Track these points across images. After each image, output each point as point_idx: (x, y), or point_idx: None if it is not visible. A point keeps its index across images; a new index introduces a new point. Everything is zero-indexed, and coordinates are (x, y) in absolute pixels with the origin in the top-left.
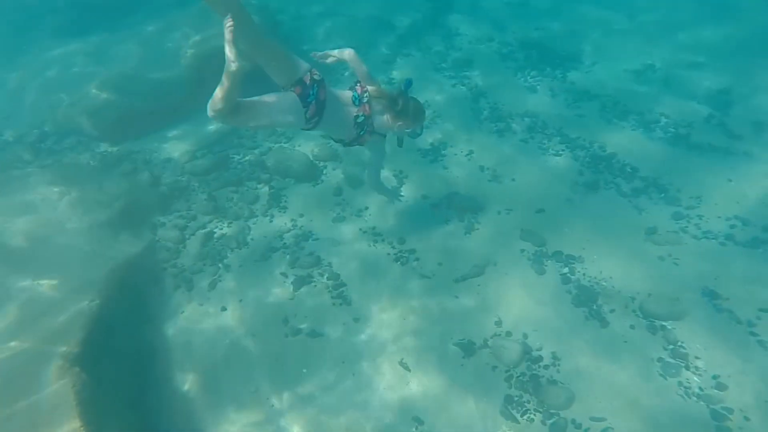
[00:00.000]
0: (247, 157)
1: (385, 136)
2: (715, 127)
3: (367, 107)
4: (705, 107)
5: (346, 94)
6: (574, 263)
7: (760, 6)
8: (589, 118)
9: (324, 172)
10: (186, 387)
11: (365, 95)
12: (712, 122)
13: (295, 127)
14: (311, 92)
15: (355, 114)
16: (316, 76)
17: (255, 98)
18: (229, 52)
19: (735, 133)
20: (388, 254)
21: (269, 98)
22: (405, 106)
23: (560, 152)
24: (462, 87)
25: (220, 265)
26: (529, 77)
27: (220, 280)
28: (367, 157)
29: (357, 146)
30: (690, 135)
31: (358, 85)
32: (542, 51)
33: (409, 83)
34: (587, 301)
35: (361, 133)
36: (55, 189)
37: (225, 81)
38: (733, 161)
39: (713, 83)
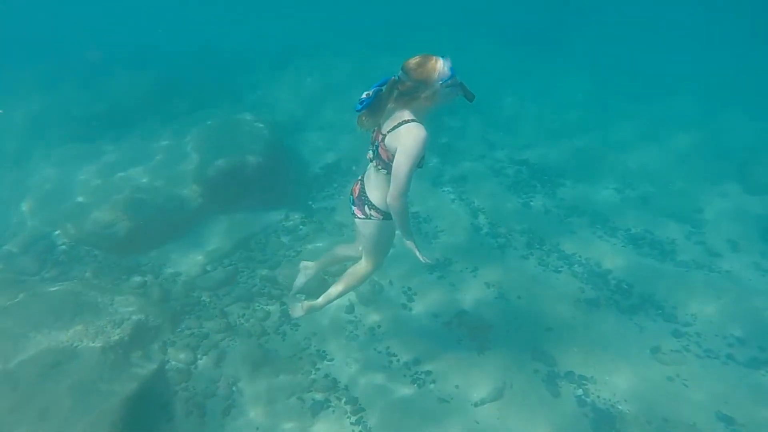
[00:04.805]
0: (256, 271)
1: (420, 122)
2: (696, 245)
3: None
4: (684, 225)
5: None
6: (587, 384)
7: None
8: (581, 234)
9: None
10: None
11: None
12: (692, 240)
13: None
14: (351, 205)
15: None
16: (354, 194)
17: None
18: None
19: (714, 251)
20: (405, 375)
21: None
22: (393, 86)
23: (560, 269)
24: (461, 202)
25: (234, 388)
26: (522, 193)
27: (235, 406)
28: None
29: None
30: (675, 252)
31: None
32: (531, 167)
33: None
34: (605, 426)
35: (375, 150)
36: (66, 307)
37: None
38: (717, 279)
39: (687, 201)
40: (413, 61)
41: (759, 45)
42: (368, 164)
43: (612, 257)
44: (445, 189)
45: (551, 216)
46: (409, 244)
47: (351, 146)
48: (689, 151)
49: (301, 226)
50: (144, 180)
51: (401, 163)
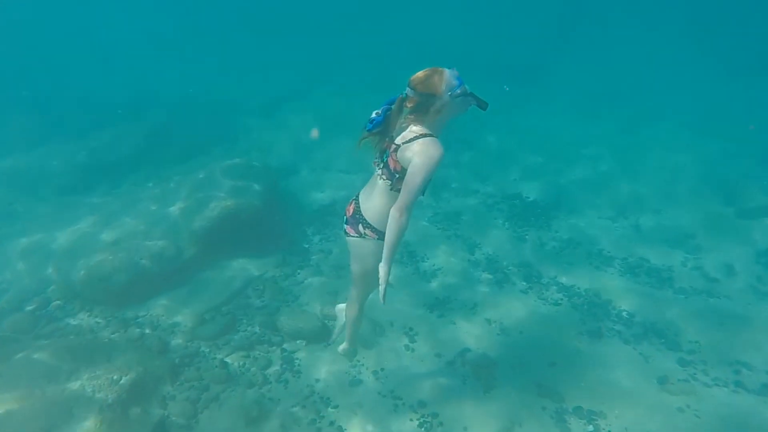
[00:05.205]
0: (255, 318)
1: (435, 136)
2: (693, 271)
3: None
4: (679, 251)
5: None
6: (597, 419)
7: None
8: (578, 266)
9: (334, 331)
10: None
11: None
12: (689, 266)
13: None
14: (343, 224)
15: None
16: (348, 213)
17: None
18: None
19: (711, 277)
20: (411, 420)
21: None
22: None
23: (559, 302)
24: (457, 238)
25: None
26: (516, 227)
27: None
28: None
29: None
30: (672, 279)
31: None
32: (524, 201)
33: (380, 115)
34: None
35: (384, 159)
36: (62, 366)
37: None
38: (717, 304)
39: (679, 227)
40: (419, 75)
41: (736, 74)
42: (364, 185)
43: (611, 287)
44: (440, 226)
45: (547, 249)
46: (383, 271)
47: (345, 187)
48: (679, 178)
49: (298, 270)
50: (138, 231)
51: (414, 176)
